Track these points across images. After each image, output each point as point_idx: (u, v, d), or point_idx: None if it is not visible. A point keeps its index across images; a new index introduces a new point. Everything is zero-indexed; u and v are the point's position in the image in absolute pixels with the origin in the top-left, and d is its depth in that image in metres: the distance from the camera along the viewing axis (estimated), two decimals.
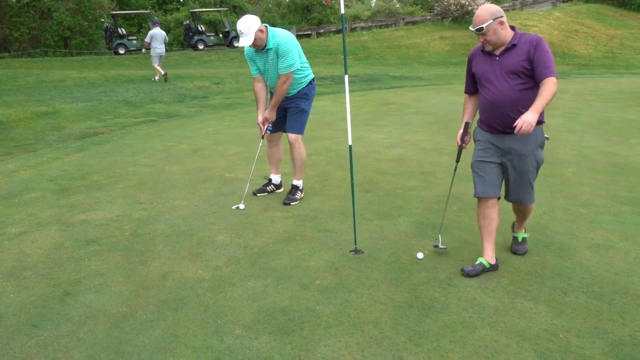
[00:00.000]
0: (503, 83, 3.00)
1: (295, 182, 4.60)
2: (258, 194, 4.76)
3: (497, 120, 3.07)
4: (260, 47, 4.20)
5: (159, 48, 14.07)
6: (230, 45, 24.98)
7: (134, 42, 24.31)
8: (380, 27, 27.60)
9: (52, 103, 10.49)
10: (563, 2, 32.27)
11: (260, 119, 4.49)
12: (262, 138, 4.62)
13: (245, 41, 4.07)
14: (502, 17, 2.92)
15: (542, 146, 3.13)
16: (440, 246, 3.46)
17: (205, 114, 10.02)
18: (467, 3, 25.45)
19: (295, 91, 4.40)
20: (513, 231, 3.61)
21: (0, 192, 4.97)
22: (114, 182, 5.21)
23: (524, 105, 2.94)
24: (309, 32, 27.72)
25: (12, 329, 2.62)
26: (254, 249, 3.60)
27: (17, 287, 3.06)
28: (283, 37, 4.17)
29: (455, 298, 2.89)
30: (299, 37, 24.75)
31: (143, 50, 14.37)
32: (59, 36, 27.29)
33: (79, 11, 27.51)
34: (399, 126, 8.31)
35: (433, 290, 2.98)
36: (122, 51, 23.36)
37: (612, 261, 3.35)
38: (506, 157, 3.13)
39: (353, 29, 27.12)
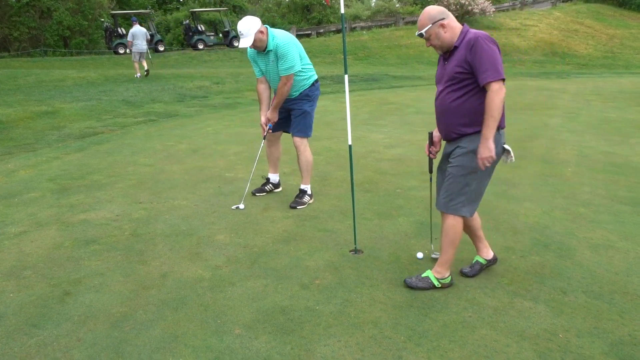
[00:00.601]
0: (441, 90, 2.85)
1: (302, 187, 4.54)
2: (257, 194, 4.76)
3: (439, 128, 2.98)
4: (260, 48, 4.19)
5: (139, 45, 14.49)
6: (230, 45, 24.99)
7: None
8: (380, 26, 27.60)
9: (52, 103, 10.49)
10: (563, 1, 32.29)
11: (263, 120, 4.48)
12: (264, 139, 4.61)
13: (245, 42, 4.07)
14: (443, 19, 2.72)
15: (476, 152, 2.73)
16: (436, 254, 3.37)
17: (205, 113, 10.02)
18: (467, 2, 25.46)
19: (297, 93, 4.38)
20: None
21: (0, 191, 4.97)
22: (114, 182, 5.21)
23: (459, 115, 2.76)
24: (309, 32, 27.72)
25: (12, 329, 2.62)
26: (253, 248, 3.60)
27: (17, 286, 3.06)
28: (282, 39, 4.16)
29: (455, 298, 2.89)
30: (298, 37, 24.75)
31: (127, 50, 14.64)
32: (58, 36, 27.29)
33: (78, 11, 27.51)
34: (399, 126, 8.31)
35: (433, 289, 2.98)
36: (122, 51, 23.35)
37: (612, 261, 3.35)
38: (449, 160, 2.95)
39: (353, 29, 27.12)
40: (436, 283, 2.96)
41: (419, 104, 10.94)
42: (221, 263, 3.37)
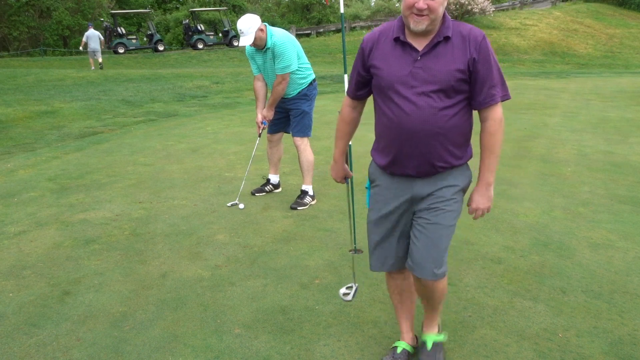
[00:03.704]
0: (418, 98, 1.90)
1: (304, 187, 4.52)
2: (256, 194, 4.76)
3: (408, 157, 2.00)
4: (260, 46, 4.19)
5: (91, 46, 18.01)
6: (229, 44, 24.98)
7: (134, 41, 24.32)
8: None
9: (52, 102, 10.48)
10: (563, 1, 32.32)
11: (259, 117, 4.49)
12: (259, 136, 4.62)
13: (245, 41, 4.06)
14: None
15: (465, 190, 2.12)
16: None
17: (204, 113, 10.02)
18: (466, 2, 25.47)
19: (295, 92, 4.38)
20: (422, 330, 2.35)
21: (0, 191, 4.97)
22: (113, 182, 5.21)
23: (454, 140, 1.97)
24: (309, 32, 27.74)
25: (12, 328, 2.62)
26: (253, 248, 3.60)
27: (17, 286, 3.06)
28: (279, 38, 4.16)
29: (455, 297, 2.89)
30: (298, 36, 24.76)
31: (81, 48, 18.82)
32: (58, 35, 27.31)
33: (78, 10, 27.53)
34: None
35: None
36: (121, 50, 23.38)
37: (612, 260, 3.35)
38: (417, 206, 2.09)
39: (353, 28, 27.11)
40: (443, 338, 2.35)
41: None
42: (221, 263, 3.37)
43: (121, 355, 2.39)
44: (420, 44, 1.89)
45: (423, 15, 1.79)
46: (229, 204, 4.43)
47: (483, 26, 25.80)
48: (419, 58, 1.88)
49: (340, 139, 2.35)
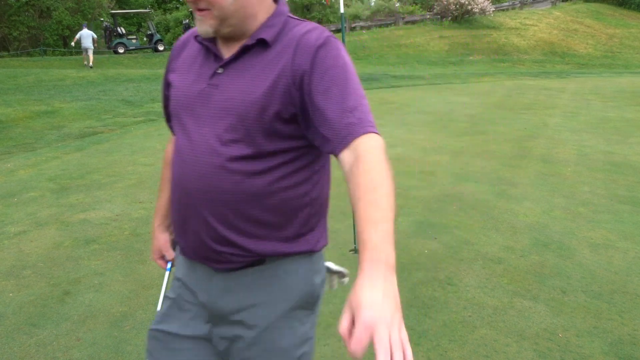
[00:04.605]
0: (205, 142, 1.12)
1: None
2: None
3: (185, 231, 1.20)
4: None
5: (84, 44, 18.99)
6: None
7: (134, 41, 24.31)
8: (380, 26, 27.62)
9: (52, 102, 10.48)
10: (563, 1, 32.32)
11: None
12: None
13: None
14: None
15: (310, 307, 1.26)
16: None
17: None
18: (466, 2, 25.47)
19: None
20: None
21: (0, 191, 4.97)
22: (114, 182, 5.21)
23: (264, 211, 1.14)
24: None
25: (12, 328, 2.62)
26: None
27: (17, 286, 3.06)
28: None
29: (455, 297, 2.89)
30: None
31: (72, 44, 19.97)
32: (58, 35, 27.30)
33: (78, 10, 27.52)
34: (399, 125, 8.30)
35: (432, 289, 2.98)
36: (121, 50, 23.35)
37: (612, 260, 3.35)
38: (220, 330, 1.22)
39: (353, 28, 27.13)
40: None
41: (418, 103, 10.94)
42: None
43: (121, 355, 2.40)
44: (229, 50, 1.15)
45: (203, 10, 1.08)
46: None
47: (483, 26, 25.83)
48: (219, 70, 1.13)
49: (160, 190, 1.47)
